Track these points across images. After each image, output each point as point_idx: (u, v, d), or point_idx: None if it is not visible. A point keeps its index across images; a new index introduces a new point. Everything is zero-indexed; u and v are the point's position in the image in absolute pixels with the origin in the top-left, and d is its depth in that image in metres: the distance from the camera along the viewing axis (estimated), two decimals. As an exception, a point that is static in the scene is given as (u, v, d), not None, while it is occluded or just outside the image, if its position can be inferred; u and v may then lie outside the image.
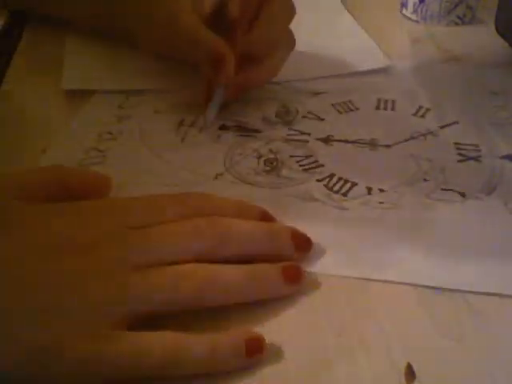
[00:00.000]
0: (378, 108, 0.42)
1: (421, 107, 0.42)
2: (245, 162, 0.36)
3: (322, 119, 0.40)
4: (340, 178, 0.35)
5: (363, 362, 0.25)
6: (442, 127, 0.39)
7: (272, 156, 0.37)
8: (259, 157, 0.37)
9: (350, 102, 0.42)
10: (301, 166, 0.36)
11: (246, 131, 0.39)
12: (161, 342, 0.24)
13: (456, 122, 0.40)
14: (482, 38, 0.52)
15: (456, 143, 0.38)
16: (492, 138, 0.38)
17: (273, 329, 0.26)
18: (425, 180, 0.34)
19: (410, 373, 0.24)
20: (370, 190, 0.34)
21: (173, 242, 0.27)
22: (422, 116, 0.41)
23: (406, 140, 0.38)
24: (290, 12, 0.41)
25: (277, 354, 0.25)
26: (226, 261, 0.27)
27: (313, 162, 0.36)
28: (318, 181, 0.34)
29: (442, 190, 0.34)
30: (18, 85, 0.44)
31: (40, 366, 0.23)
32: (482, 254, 0.29)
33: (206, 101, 0.39)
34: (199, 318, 0.26)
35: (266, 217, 0.30)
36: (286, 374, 0.24)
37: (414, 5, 0.54)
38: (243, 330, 0.26)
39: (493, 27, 0.49)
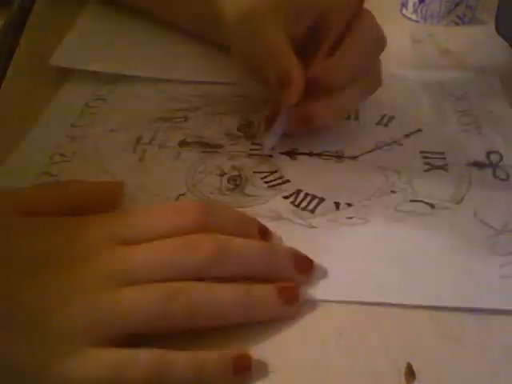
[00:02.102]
0: (348, 118, 0.41)
1: (384, 115, 0.41)
2: (207, 180, 0.35)
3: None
4: (307, 194, 0.34)
5: (363, 361, 0.25)
6: (407, 135, 0.39)
7: (235, 173, 0.35)
8: (222, 174, 0.35)
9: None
10: (266, 182, 0.35)
11: (207, 147, 0.38)
12: (147, 358, 0.23)
13: (419, 130, 0.39)
14: (482, 37, 0.51)
15: (422, 152, 0.37)
16: (457, 144, 0.38)
17: (273, 329, 0.26)
18: (392, 192, 0.34)
19: (410, 373, 0.24)
20: (337, 205, 0.33)
21: (165, 258, 0.26)
22: (386, 125, 0.40)
23: (371, 150, 0.37)
24: (380, 44, 0.36)
25: (277, 354, 0.25)
26: (223, 280, 0.26)
27: (278, 178, 0.35)
28: (285, 197, 0.33)
29: (411, 201, 0.33)
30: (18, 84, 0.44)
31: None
32: (454, 265, 0.29)
33: (268, 126, 0.37)
34: (186, 335, 0.25)
35: (264, 232, 0.30)
36: (285, 373, 0.24)
37: (414, 5, 0.54)
38: (230, 349, 0.25)
39: (493, 27, 0.48)
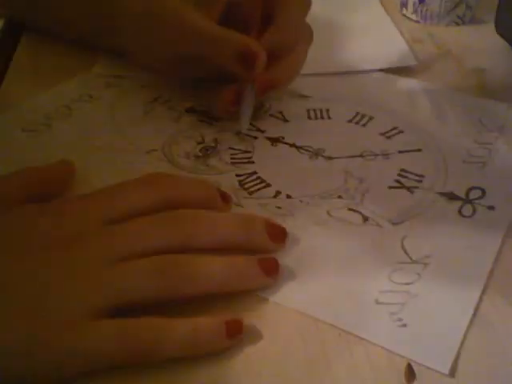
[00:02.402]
0: (350, 121, 0.41)
1: (394, 128, 0.40)
2: (184, 144, 0.38)
3: (287, 121, 0.40)
4: (258, 177, 0.35)
5: (363, 362, 0.25)
6: (401, 152, 0.37)
7: (212, 145, 0.38)
8: (200, 143, 0.38)
9: (327, 110, 0.42)
10: (232, 159, 0.37)
11: (206, 117, 0.41)
12: (145, 326, 0.25)
13: (419, 150, 0.38)
14: (482, 37, 0.51)
15: (402, 170, 0.36)
16: (446, 172, 0.36)
17: (273, 329, 0.26)
18: (339, 197, 0.33)
19: (410, 373, 0.24)
20: (278, 193, 0.34)
21: (152, 234, 0.28)
22: (389, 137, 0.39)
23: (352, 156, 0.37)
24: (306, 4, 0.41)
25: (276, 354, 0.25)
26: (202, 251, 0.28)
27: (246, 158, 0.37)
28: (237, 175, 0.35)
29: (349, 210, 0.33)
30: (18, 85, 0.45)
31: (26, 356, 0.23)
32: (335, 279, 0.28)
33: (235, 104, 0.38)
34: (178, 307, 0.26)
35: (224, 196, 0.32)
36: (285, 374, 0.25)
37: (414, 5, 0.54)
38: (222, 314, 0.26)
39: (493, 27, 0.49)
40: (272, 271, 0.28)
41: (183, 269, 0.27)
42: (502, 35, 0.48)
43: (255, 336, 0.26)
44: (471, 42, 0.51)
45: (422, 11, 0.53)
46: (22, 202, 0.29)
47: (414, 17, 0.54)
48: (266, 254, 0.29)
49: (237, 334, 0.25)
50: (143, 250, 0.27)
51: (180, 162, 0.36)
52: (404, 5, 0.55)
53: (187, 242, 0.28)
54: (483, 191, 0.34)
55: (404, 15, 0.55)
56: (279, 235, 0.30)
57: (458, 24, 0.54)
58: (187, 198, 0.31)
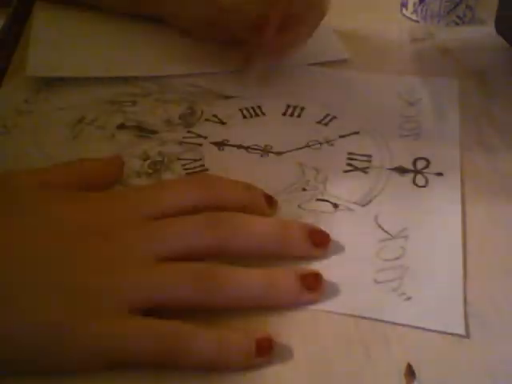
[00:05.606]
0: (284, 114, 0.41)
1: (327, 115, 0.41)
2: (130, 163, 0.36)
3: (224, 123, 0.40)
4: (219, 184, 0.34)
5: (363, 361, 0.25)
6: (342, 136, 0.39)
7: (159, 159, 0.36)
8: (146, 159, 0.36)
9: (258, 107, 0.42)
10: (185, 169, 0.36)
11: (142, 131, 0.39)
12: (172, 330, 0.25)
13: (356, 132, 0.39)
14: (482, 37, 0.51)
15: (350, 153, 0.37)
16: (388, 149, 0.38)
17: (272, 329, 0.26)
18: (303, 190, 0.34)
19: (410, 373, 0.24)
20: (244, 196, 0.33)
21: (190, 233, 0.27)
22: (326, 124, 0.40)
23: (299, 148, 0.38)
24: None
25: (276, 354, 0.25)
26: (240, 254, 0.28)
27: (198, 166, 0.36)
28: (197, 185, 0.34)
29: (317, 200, 0.33)
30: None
31: (53, 341, 0.24)
32: (328, 265, 0.29)
33: (246, 64, 0.43)
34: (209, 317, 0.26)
35: (270, 200, 0.32)
36: (285, 373, 0.25)
37: (414, 5, 0.54)
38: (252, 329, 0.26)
39: (493, 27, 0.49)
40: (315, 287, 0.27)
41: (220, 280, 0.26)
42: (502, 35, 0.48)
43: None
44: (471, 42, 0.51)
45: (422, 11, 0.54)
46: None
47: (413, 17, 0.55)
48: (308, 269, 0.28)
49: (266, 353, 0.25)
50: (181, 250, 0.27)
51: (133, 183, 0.34)
52: (404, 5, 0.55)
53: (224, 245, 0.28)
54: (427, 160, 0.36)
55: (404, 15, 0.55)
56: (323, 240, 0.29)
57: (457, 24, 0.54)
58: (231, 198, 0.31)
